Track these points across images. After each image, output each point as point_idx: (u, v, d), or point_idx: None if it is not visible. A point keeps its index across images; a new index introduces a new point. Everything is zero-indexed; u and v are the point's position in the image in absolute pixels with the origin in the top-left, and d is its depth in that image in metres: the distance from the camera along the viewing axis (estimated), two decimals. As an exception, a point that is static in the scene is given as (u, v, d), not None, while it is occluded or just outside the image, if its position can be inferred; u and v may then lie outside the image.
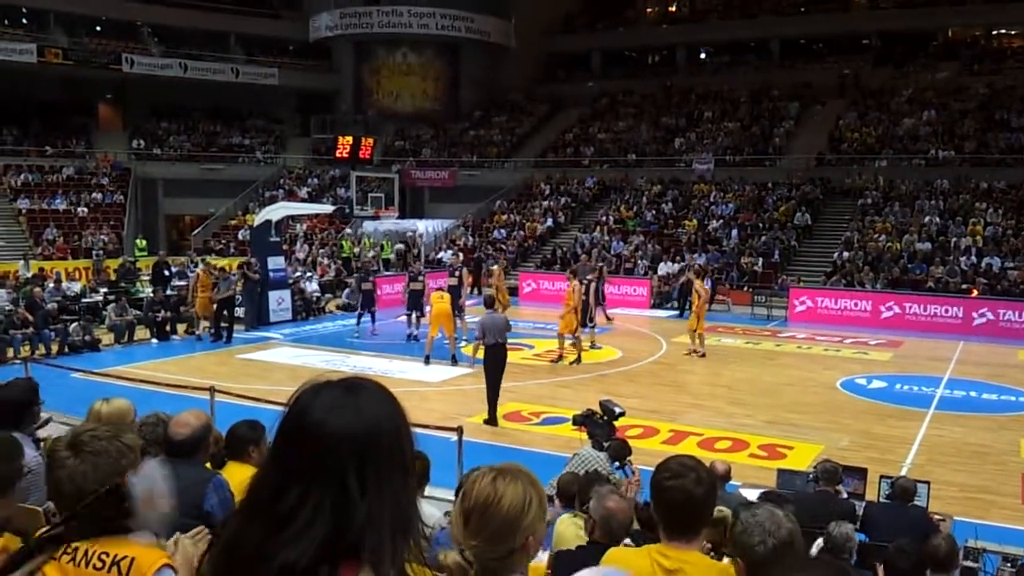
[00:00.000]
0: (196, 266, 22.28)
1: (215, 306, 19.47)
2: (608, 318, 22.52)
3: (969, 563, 6.23)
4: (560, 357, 17.31)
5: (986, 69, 35.82)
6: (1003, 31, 39.02)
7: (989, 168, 29.63)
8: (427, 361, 16.74)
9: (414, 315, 19.66)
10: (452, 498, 8.09)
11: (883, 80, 37.06)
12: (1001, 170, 29.42)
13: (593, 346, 18.73)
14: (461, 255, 28.42)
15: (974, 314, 22.56)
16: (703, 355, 18.00)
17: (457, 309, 19.41)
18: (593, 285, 19.88)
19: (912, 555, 4.84)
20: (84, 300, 21.41)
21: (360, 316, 20.59)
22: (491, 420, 12.44)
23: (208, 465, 4.67)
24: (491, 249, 31.30)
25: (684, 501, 2.68)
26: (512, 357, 16.92)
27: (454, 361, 16.69)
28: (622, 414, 8.39)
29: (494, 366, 12.62)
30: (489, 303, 14.00)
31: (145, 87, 39.80)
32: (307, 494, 1.36)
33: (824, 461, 7.38)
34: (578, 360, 17.16)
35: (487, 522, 1.91)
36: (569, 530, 4.88)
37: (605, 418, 8.10)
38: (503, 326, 12.89)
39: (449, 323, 16.94)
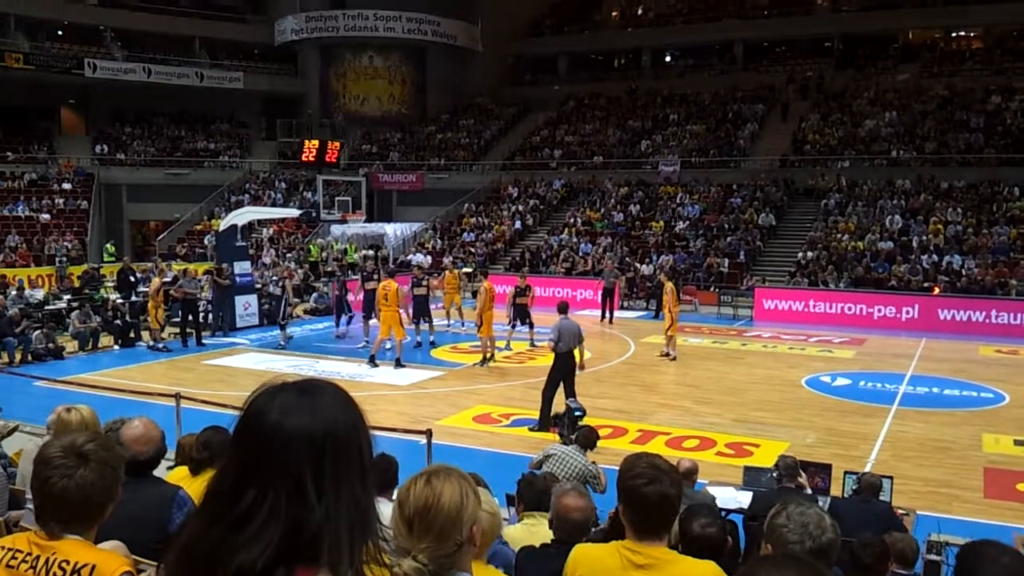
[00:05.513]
0: (153, 274, 22.06)
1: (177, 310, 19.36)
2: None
3: (933, 556, 6.28)
4: (490, 357, 17.55)
5: (945, 71, 36.47)
6: (962, 33, 39.71)
7: (949, 168, 30.08)
8: (372, 362, 16.79)
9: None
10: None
11: (845, 82, 37.58)
12: (961, 170, 29.87)
13: (507, 347, 19.08)
14: (430, 258, 28.38)
15: (936, 311, 22.94)
16: (674, 358, 17.93)
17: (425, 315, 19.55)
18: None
19: (877, 547, 4.92)
20: (47, 307, 21.14)
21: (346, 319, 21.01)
22: (542, 426, 12.06)
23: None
24: (462, 252, 31.27)
25: (660, 502, 2.74)
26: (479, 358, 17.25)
27: (398, 364, 16.76)
28: (582, 415, 8.56)
29: (560, 372, 12.23)
30: (563, 309, 13.84)
31: (108, 92, 39.38)
32: (263, 496, 1.34)
33: (783, 457, 7.38)
34: (483, 361, 17.32)
35: (432, 523, 1.92)
36: (516, 532, 4.90)
37: (569, 417, 8.26)
38: (578, 333, 12.46)
39: (398, 327, 16.96)
